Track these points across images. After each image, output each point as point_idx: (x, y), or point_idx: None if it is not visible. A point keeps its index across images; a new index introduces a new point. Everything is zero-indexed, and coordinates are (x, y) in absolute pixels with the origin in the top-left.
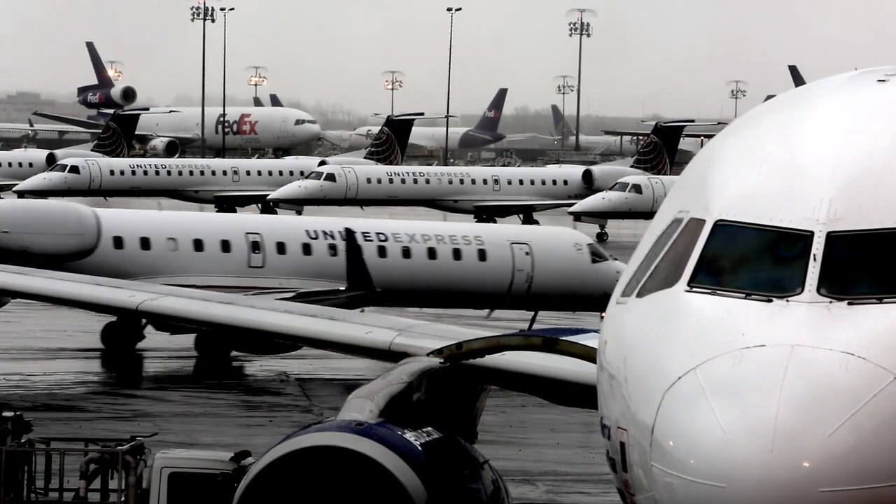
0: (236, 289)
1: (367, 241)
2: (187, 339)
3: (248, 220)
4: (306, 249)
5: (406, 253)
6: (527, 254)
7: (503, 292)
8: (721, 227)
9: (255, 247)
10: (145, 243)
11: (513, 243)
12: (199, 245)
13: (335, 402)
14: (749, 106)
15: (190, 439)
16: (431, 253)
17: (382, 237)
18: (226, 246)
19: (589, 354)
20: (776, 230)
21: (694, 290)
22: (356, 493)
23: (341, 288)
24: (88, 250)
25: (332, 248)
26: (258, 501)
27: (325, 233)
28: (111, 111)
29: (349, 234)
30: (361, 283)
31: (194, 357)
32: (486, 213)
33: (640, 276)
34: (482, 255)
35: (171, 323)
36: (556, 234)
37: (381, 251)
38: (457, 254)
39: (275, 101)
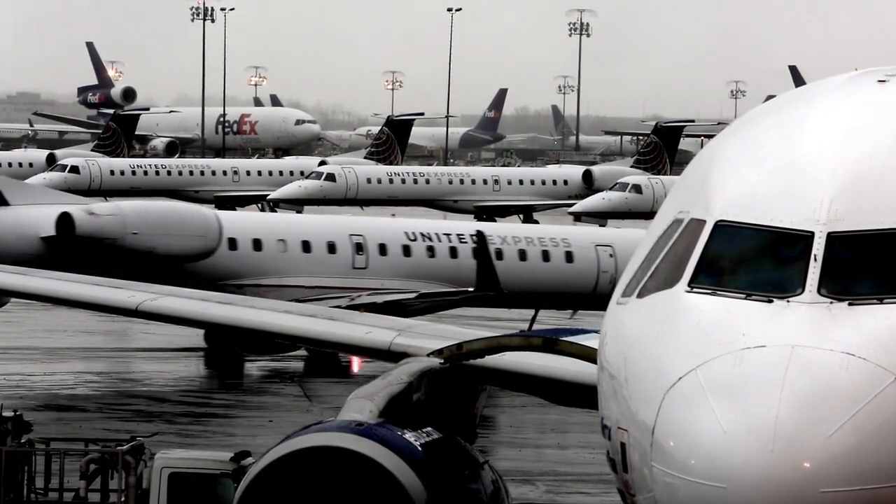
0: (342, 289)
1: (461, 242)
2: (187, 338)
3: (351, 222)
4: (406, 251)
5: (499, 255)
6: (611, 255)
7: (588, 293)
8: (721, 228)
9: (359, 248)
10: (257, 245)
11: (597, 245)
12: (306, 246)
13: (335, 402)
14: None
15: (190, 439)
16: (522, 255)
17: (461, 238)
18: (331, 247)
19: (589, 355)
20: (776, 230)
21: (694, 290)
22: (356, 494)
23: (469, 289)
24: (210, 252)
25: (430, 250)
26: (258, 502)
27: (422, 234)
28: (111, 111)
29: (480, 237)
30: (490, 285)
31: (194, 357)
32: (487, 214)
33: (640, 276)
34: (569, 256)
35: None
36: (638, 237)
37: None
38: (546, 255)
39: (275, 102)
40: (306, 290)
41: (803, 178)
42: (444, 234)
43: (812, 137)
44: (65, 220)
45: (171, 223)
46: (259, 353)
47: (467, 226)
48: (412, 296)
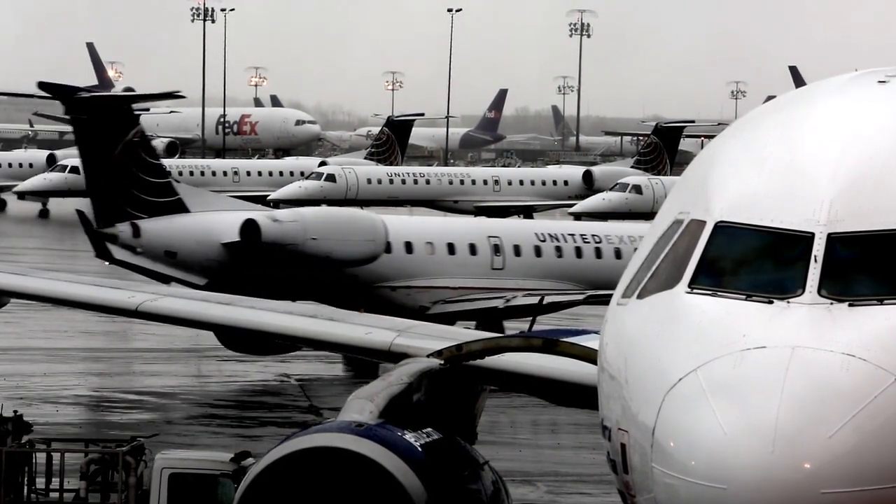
0: (483, 289)
1: (584, 242)
2: (187, 339)
3: (489, 224)
4: (537, 252)
5: (618, 255)
6: None
7: None
8: (722, 229)
9: (497, 249)
10: (409, 248)
11: None
12: (451, 248)
13: (335, 402)
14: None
15: (190, 440)
16: (617, 254)
17: (597, 239)
18: (473, 249)
19: (589, 356)
20: (777, 231)
21: (695, 291)
22: (356, 494)
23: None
24: (377, 256)
25: (558, 250)
26: (259, 502)
27: (550, 235)
28: None
29: None
30: None
31: (194, 357)
32: (487, 214)
33: (640, 277)
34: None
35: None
36: None
37: (598, 252)
38: (618, 253)
39: (275, 102)
40: (452, 290)
41: (803, 178)
42: (569, 234)
43: (812, 138)
44: (250, 226)
45: (345, 228)
46: (259, 353)
47: (589, 227)
48: (581, 297)
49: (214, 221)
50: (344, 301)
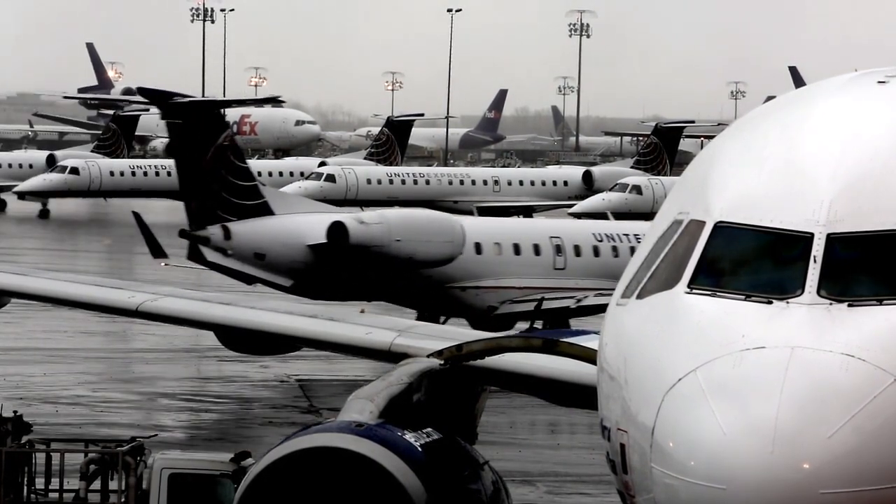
0: (546, 289)
1: (639, 242)
2: (186, 339)
3: (549, 224)
4: (595, 251)
5: None
6: None
7: None
8: (721, 229)
9: (558, 250)
10: (478, 248)
11: None
12: (517, 249)
13: (335, 402)
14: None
15: (190, 440)
16: None
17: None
18: (536, 249)
19: (589, 356)
20: (776, 232)
21: (694, 291)
22: (356, 494)
23: None
24: (454, 257)
25: (615, 250)
26: (258, 502)
27: (607, 235)
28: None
29: None
30: None
31: (194, 357)
32: (487, 214)
33: (640, 277)
34: None
35: None
36: None
37: None
38: None
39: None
40: (517, 290)
41: (803, 179)
42: (625, 234)
43: (812, 139)
44: (337, 228)
45: (427, 230)
46: (259, 353)
47: (642, 227)
48: None
49: (300, 223)
50: (417, 302)
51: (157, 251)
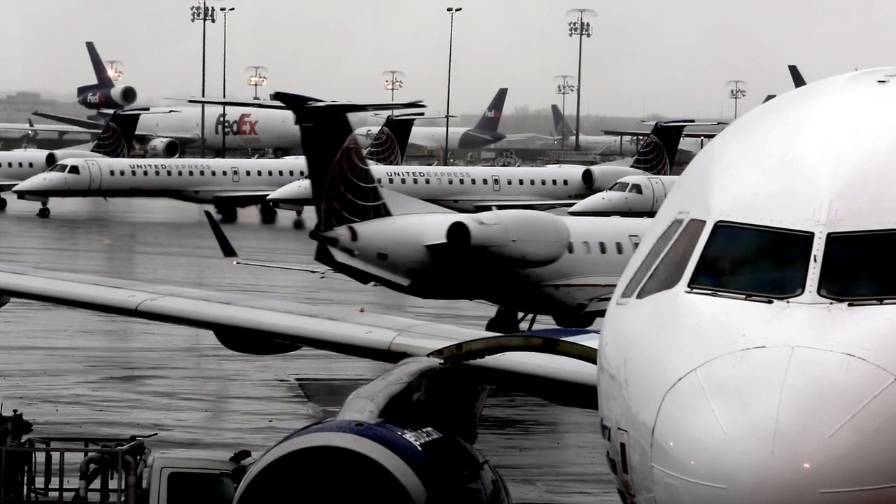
0: None
1: None
2: (186, 338)
3: (628, 223)
4: None
5: None
6: None
7: None
8: (721, 229)
9: (636, 248)
10: (570, 247)
11: None
12: (602, 248)
13: (335, 402)
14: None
15: (190, 439)
16: None
17: None
18: (619, 248)
19: (589, 355)
20: (776, 231)
21: (694, 291)
22: (356, 494)
23: None
24: (560, 256)
25: None
26: (258, 502)
27: None
28: (111, 111)
29: None
30: None
31: (194, 357)
32: None
33: (640, 276)
34: None
35: None
36: None
37: None
38: None
39: None
40: (603, 288)
41: (803, 178)
42: None
43: (812, 138)
44: (458, 229)
45: (537, 230)
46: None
47: None
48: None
49: (417, 224)
50: (510, 300)
51: (228, 250)
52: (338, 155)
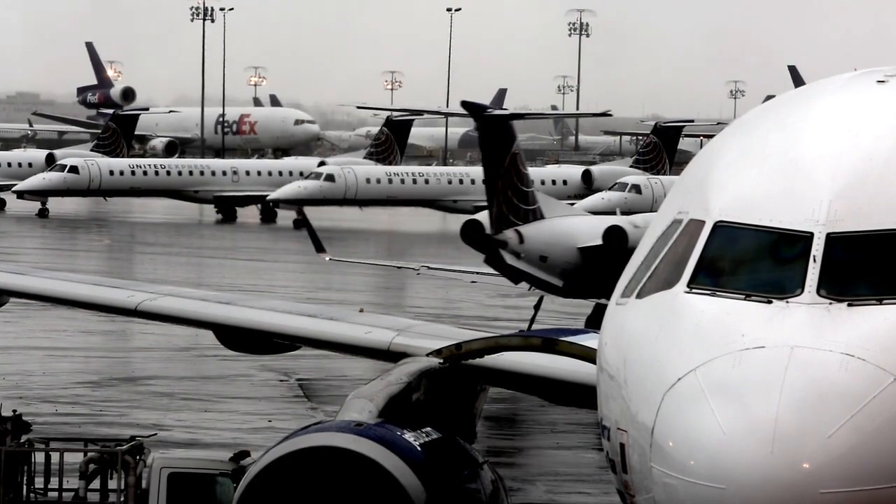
0: None
1: None
2: (185, 338)
3: None
4: None
5: None
6: None
7: None
8: (721, 229)
9: None
10: None
11: None
12: None
13: (335, 402)
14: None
15: (189, 439)
16: None
17: None
18: None
19: (588, 355)
20: (776, 231)
21: (694, 291)
22: (355, 494)
23: None
24: None
25: None
26: (258, 502)
27: None
28: (111, 111)
29: None
30: None
31: (193, 356)
32: None
33: (639, 276)
34: None
35: None
36: None
37: None
38: None
39: (274, 102)
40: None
41: (803, 178)
42: None
43: (811, 138)
44: (615, 232)
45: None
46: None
47: None
48: None
49: (571, 226)
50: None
51: (319, 247)
52: (507, 159)
